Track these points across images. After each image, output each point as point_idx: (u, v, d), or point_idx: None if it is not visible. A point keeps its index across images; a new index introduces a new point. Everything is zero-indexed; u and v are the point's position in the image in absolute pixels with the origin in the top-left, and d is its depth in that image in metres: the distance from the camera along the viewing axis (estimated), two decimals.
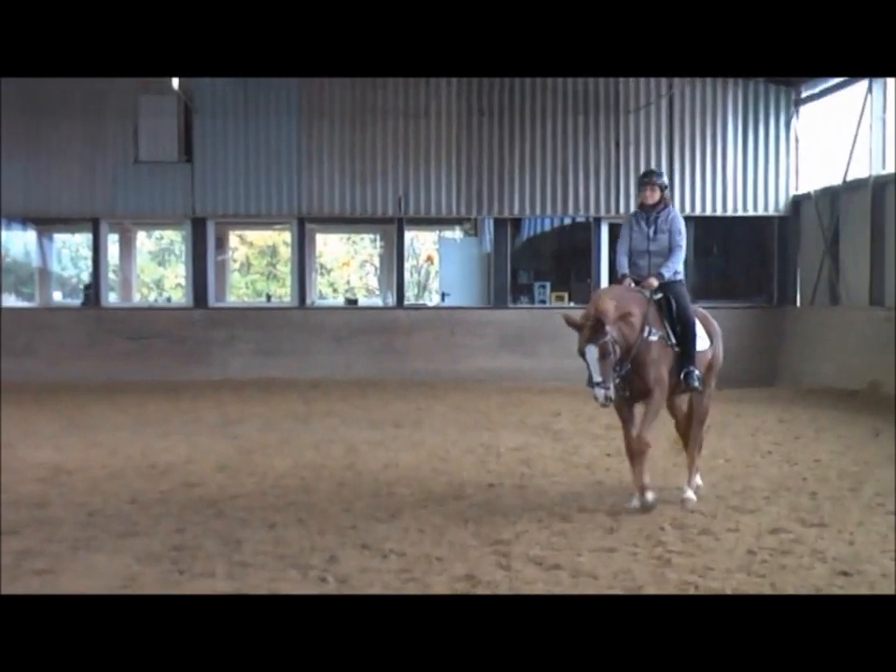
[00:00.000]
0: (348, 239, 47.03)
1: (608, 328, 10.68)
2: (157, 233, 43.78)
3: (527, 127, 29.56)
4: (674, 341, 11.50)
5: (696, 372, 11.51)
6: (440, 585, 8.49)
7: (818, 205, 27.73)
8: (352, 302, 33.94)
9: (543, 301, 29.46)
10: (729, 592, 8.22)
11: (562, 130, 29.56)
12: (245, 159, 29.51)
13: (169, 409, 21.74)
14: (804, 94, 28.97)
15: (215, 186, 29.53)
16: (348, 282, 48.55)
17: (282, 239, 39.33)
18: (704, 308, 12.63)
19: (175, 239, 42.62)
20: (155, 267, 47.85)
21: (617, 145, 29.46)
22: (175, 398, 23.93)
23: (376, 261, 45.31)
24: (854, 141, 25.71)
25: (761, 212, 29.69)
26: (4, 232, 30.57)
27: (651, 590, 8.31)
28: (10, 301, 31.49)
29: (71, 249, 39.78)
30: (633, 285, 11.79)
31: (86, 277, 33.36)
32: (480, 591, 8.32)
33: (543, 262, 30.76)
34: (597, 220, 29.67)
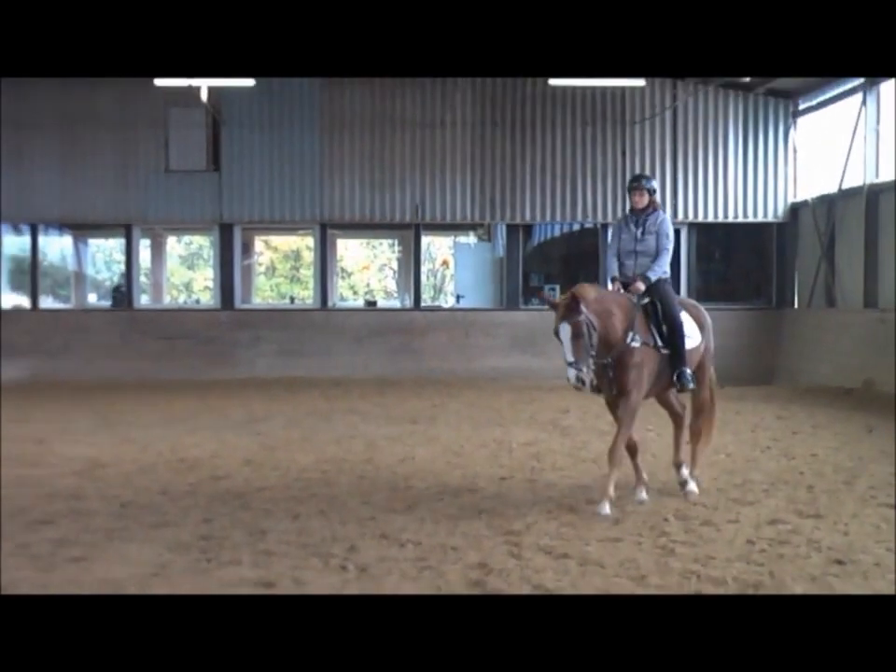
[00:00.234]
0: (368, 244, 47.10)
1: (582, 307, 10.54)
2: (186, 238, 43.88)
3: (538, 137, 29.57)
4: (661, 343, 11.30)
5: (688, 372, 11.36)
6: (454, 573, 8.51)
7: (814, 212, 27.75)
8: (371, 304, 33.97)
9: None
10: (729, 580, 8.23)
11: (571, 140, 29.57)
12: (270, 168, 29.56)
13: (197, 406, 21.78)
14: (801, 106, 29.01)
15: (241, 193, 29.57)
16: (368, 285, 48.60)
17: (305, 244, 39.42)
18: (705, 309, 12.48)
19: (203, 244, 42.69)
20: (184, 270, 47.93)
21: (623, 154, 29.47)
22: (203, 395, 23.96)
23: (394, 265, 45.38)
24: (849, 151, 25.72)
25: (760, 218, 29.66)
26: (41, 238, 30.65)
27: (655, 578, 8.32)
28: (48, 302, 31.59)
29: (105, 254, 39.89)
30: (621, 290, 11.64)
31: (118, 280, 33.37)
32: (492, 578, 8.33)
33: (553, 266, 30.76)
34: (604, 226, 29.56)
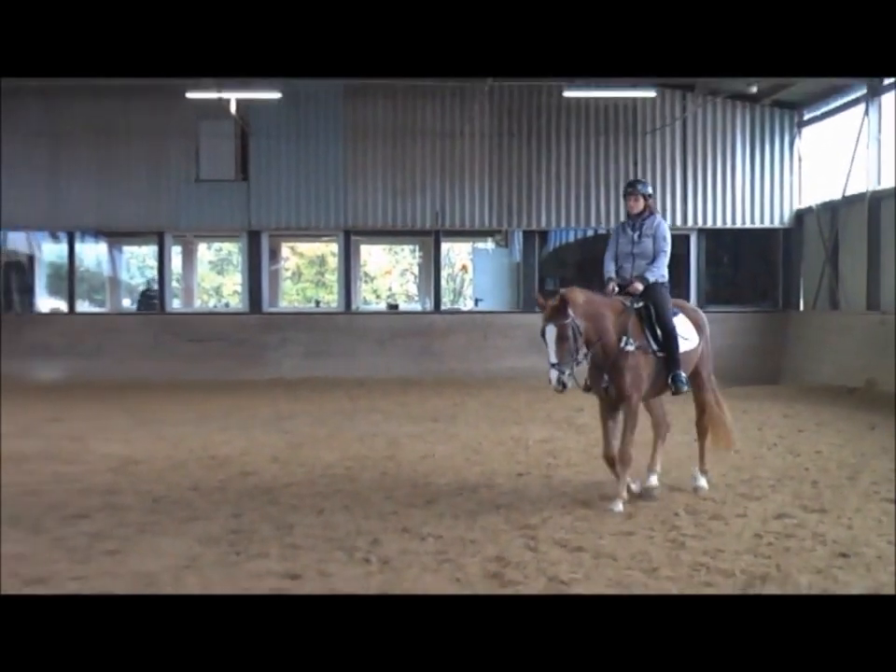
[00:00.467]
0: (390, 250, 47.14)
1: (569, 310, 10.39)
2: (216, 245, 43.99)
3: (553, 147, 29.56)
4: (656, 347, 11.12)
5: (683, 375, 11.19)
6: (473, 566, 8.51)
7: (819, 218, 27.69)
8: (393, 308, 34.05)
9: None
10: (738, 572, 8.22)
11: (584, 149, 29.56)
12: (296, 177, 29.59)
13: (227, 405, 21.80)
14: (806, 117, 29.02)
15: (268, 202, 29.62)
16: (390, 289, 48.64)
17: (329, 250, 39.45)
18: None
19: (232, 250, 42.76)
20: (214, 276, 48.04)
21: (635, 163, 29.45)
22: (232, 395, 23.99)
23: (415, 270, 45.39)
24: (852, 159, 25.69)
25: (767, 224, 29.62)
26: (78, 245, 30.74)
27: (666, 571, 8.32)
28: (84, 306, 31.71)
29: (138, 260, 40.01)
30: (617, 290, 11.48)
31: (144, 285, 33.50)
32: (509, 571, 8.34)
33: (568, 270, 30.71)
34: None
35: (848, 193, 25.99)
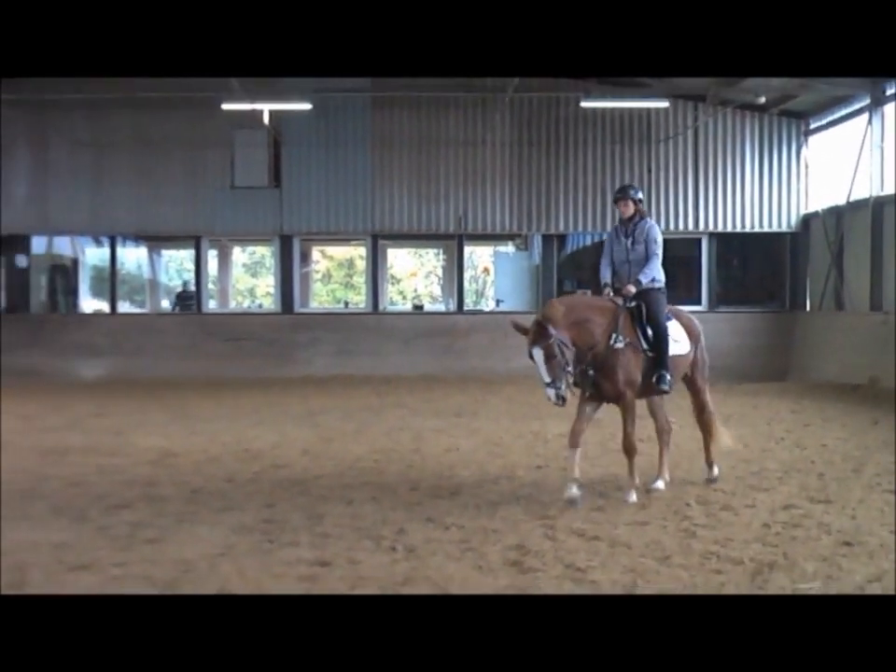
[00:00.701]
0: (415, 253, 47.11)
1: (550, 330, 10.09)
2: (250, 249, 43.97)
3: (570, 155, 29.56)
4: (646, 346, 10.90)
5: (668, 376, 10.91)
6: (494, 554, 8.52)
7: (824, 223, 27.71)
8: (418, 308, 34.09)
9: None
10: (746, 560, 8.20)
11: (601, 157, 29.55)
12: (326, 184, 29.66)
13: (260, 402, 21.84)
14: (812, 126, 29.02)
15: (300, 207, 29.69)
16: (415, 290, 48.63)
17: (358, 253, 39.41)
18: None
19: (265, 253, 42.75)
20: (248, 278, 48.09)
21: (649, 170, 29.43)
22: (265, 392, 24.03)
23: (439, 272, 45.38)
24: (856, 166, 25.67)
25: (775, 228, 29.59)
26: (119, 249, 30.85)
27: (678, 559, 8.31)
28: (125, 307, 31.81)
29: (176, 263, 40.10)
30: (611, 293, 11.26)
31: (182, 286, 33.57)
32: (529, 559, 8.33)
33: (585, 273, 30.64)
34: None
35: (853, 199, 25.97)
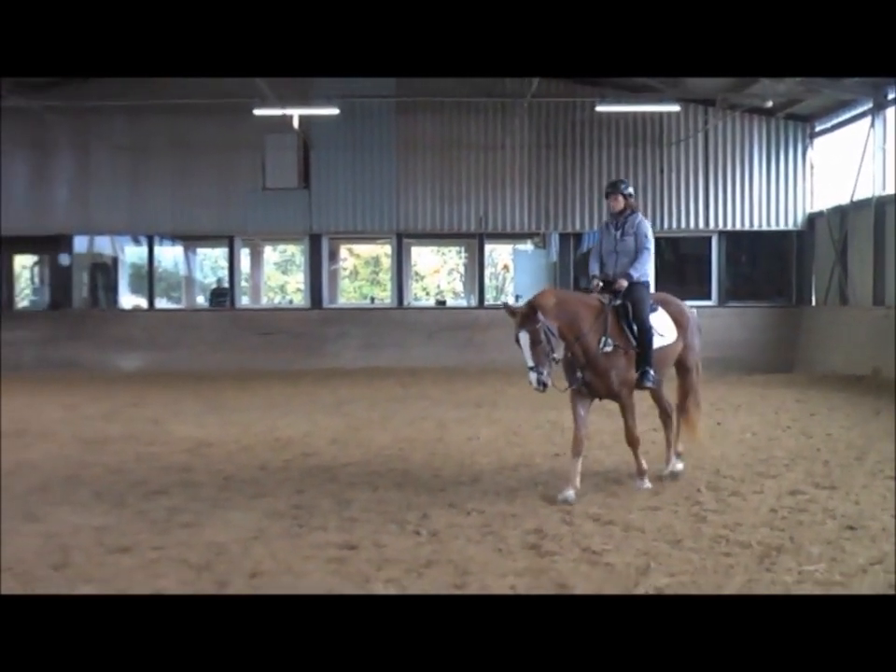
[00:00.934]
0: (438, 251, 47.09)
1: (539, 316, 9.96)
2: (281, 247, 44.01)
3: (586, 157, 29.51)
4: (634, 343, 10.68)
5: (651, 373, 10.68)
6: (513, 538, 8.53)
7: (829, 221, 27.66)
8: (441, 304, 33.99)
9: None
10: (754, 543, 8.19)
11: (615, 159, 29.49)
12: (353, 185, 29.66)
13: (290, 393, 21.87)
14: (817, 129, 28.97)
15: (328, 208, 29.71)
16: (438, 286, 48.60)
17: (383, 251, 39.40)
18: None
19: (295, 252, 42.77)
20: (279, 275, 48.11)
21: (661, 171, 29.37)
22: (295, 384, 24.06)
23: (461, 269, 45.35)
24: (859, 167, 25.66)
25: (782, 227, 29.49)
26: (157, 247, 30.97)
27: (689, 542, 8.31)
28: (162, 303, 31.96)
29: (211, 261, 40.16)
30: (601, 286, 11.07)
31: (216, 283, 33.63)
32: (547, 542, 8.35)
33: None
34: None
35: (856, 199, 25.97)
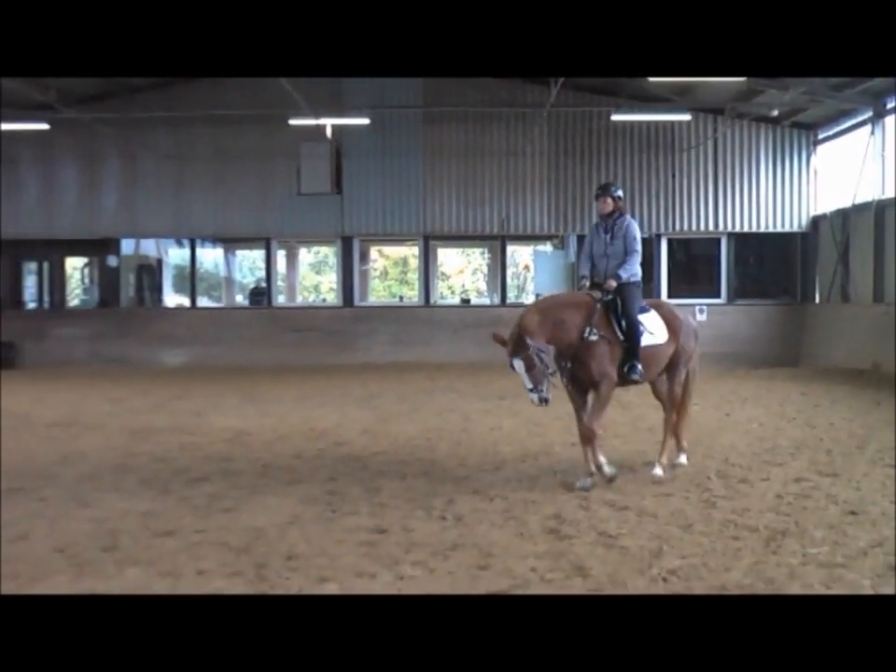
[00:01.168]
0: (463, 252, 47.07)
1: (528, 341, 9.74)
2: (315, 249, 44.07)
3: (602, 163, 29.46)
4: (622, 337, 10.39)
5: (638, 366, 10.40)
6: (534, 522, 8.53)
7: (832, 223, 27.60)
8: (466, 302, 34.01)
9: None
10: (761, 528, 8.18)
11: (629, 164, 29.44)
12: (382, 190, 29.69)
13: (324, 386, 21.91)
14: (820, 136, 28.91)
15: (359, 211, 29.75)
16: (463, 286, 48.56)
17: (411, 252, 39.43)
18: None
19: (328, 253, 42.81)
20: (313, 275, 48.17)
21: (673, 177, 29.31)
22: (328, 377, 24.10)
23: (484, 269, 45.32)
24: (860, 173, 25.65)
25: (787, 229, 29.40)
26: (199, 249, 31.08)
27: (699, 526, 8.30)
28: (203, 302, 32.05)
29: (249, 262, 40.25)
30: (587, 284, 10.83)
31: (254, 283, 33.69)
32: (565, 527, 8.35)
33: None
34: (658, 236, 29.53)
35: (857, 202, 25.93)
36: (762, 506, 9.09)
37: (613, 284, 10.55)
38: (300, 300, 35.83)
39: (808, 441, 13.02)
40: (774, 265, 30.37)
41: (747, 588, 6.54)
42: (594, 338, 10.15)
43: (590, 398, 10.50)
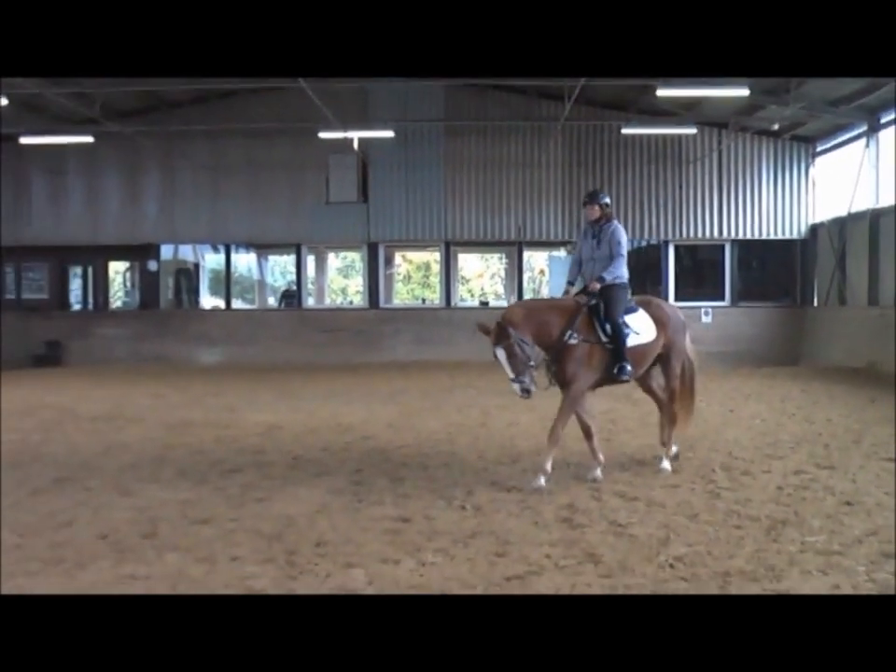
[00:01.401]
0: (482, 257, 47.06)
1: (510, 331, 9.66)
2: (342, 254, 44.09)
3: (613, 173, 29.44)
4: (605, 339, 10.17)
5: (627, 367, 10.20)
6: (548, 512, 8.51)
7: (829, 231, 27.69)
8: (484, 304, 34.03)
9: None
10: (763, 517, 8.15)
11: (639, 175, 29.42)
12: (406, 199, 29.75)
13: (351, 383, 21.92)
14: (818, 149, 29.02)
15: (384, 219, 29.81)
16: (482, 289, 48.51)
17: (433, 257, 39.44)
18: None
19: (355, 258, 42.86)
20: (341, 279, 48.21)
21: (680, 187, 29.31)
22: (355, 375, 24.13)
23: (502, 273, 45.27)
24: (856, 183, 25.79)
25: (787, 236, 29.38)
26: (233, 255, 31.19)
27: (705, 516, 8.27)
28: (238, 304, 32.10)
29: (280, 266, 40.27)
30: (570, 291, 10.64)
31: (285, 286, 33.71)
32: (578, 516, 8.33)
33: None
34: (666, 243, 29.54)
35: (853, 211, 26.09)
36: (763, 497, 9.06)
37: (597, 286, 10.36)
38: (328, 302, 35.84)
39: (807, 435, 12.97)
40: (775, 270, 30.31)
41: (749, 574, 6.53)
42: (573, 341, 9.99)
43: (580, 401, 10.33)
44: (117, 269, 32.95)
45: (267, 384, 21.87)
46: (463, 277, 45.25)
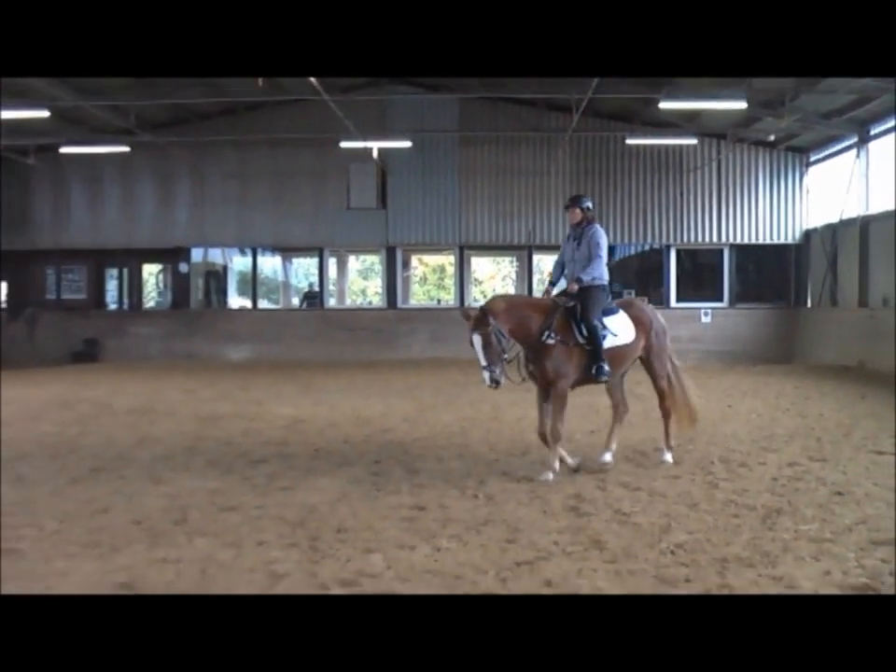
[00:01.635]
0: (494, 260, 46.94)
1: (490, 320, 9.39)
2: (362, 257, 44.00)
3: (618, 181, 29.44)
4: (582, 340, 9.86)
5: (605, 367, 9.88)
6: (556, 501, 8.52)
7: (822, 236, 27.73)
8: None
9: None
10: (759, 507, 8.14)
11: (642, 183, 29.40)
12: (423, 205, 29.78)
13: (370, 379, 21.95)
14: (812, 159, 29.05)
15: (402, 224, 29.87)
16: (494, 290, 48.47)
17: (448, 260, 39.33)
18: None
19: (374, 261, 42.75)
20: (361, 280, 48.17)
21: (681, 194, 29.31)
22: (374, 371, 24.16)
23: (513, 276, 45.22)
24: (847, 191, 25.86)
25: (782, 241, 29.34)
26: (259, 257, 31.26)
27: (704, 505, 8.26)
28: (263, 304, 32.12)
29: (304, 269, 40.27)
30: (551, 292, 10.45)
31: (308, 287, 33.74)
32: (584, 505, 8.33)
33: (630, 276, 30.45)
34: (668, 247, 29.53)
35: (844, 217, 26.17)
36: (759, 487, 9.05)
37: (575, 287, 10.17)
38: (348, 302, 35.81)
39: (801, 429, 12.95)
40: (770, 273, 30.25)
41: (745, 560, 6.53)
42: (550, 341, 9.79)
43: (547, 403, 10.09)
44: (150, 271, 33.02)
45: (291, 379, 21.91)
46: (476, 279, 45.14)
